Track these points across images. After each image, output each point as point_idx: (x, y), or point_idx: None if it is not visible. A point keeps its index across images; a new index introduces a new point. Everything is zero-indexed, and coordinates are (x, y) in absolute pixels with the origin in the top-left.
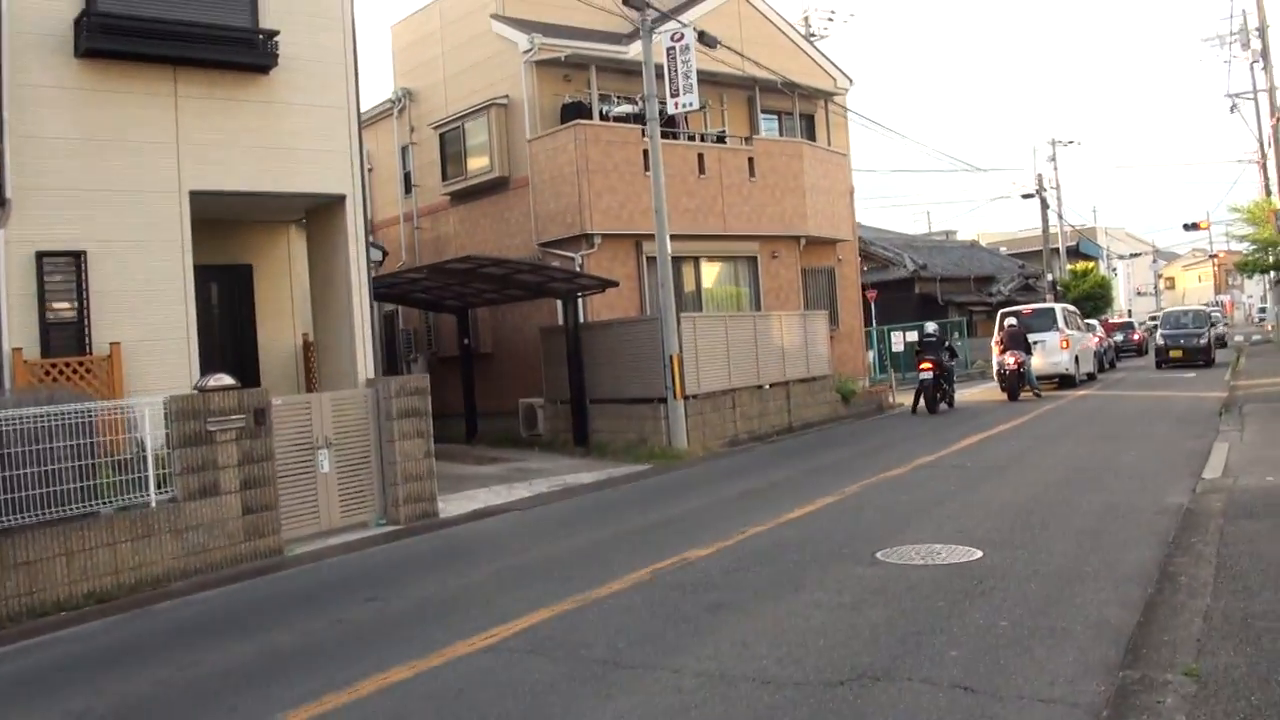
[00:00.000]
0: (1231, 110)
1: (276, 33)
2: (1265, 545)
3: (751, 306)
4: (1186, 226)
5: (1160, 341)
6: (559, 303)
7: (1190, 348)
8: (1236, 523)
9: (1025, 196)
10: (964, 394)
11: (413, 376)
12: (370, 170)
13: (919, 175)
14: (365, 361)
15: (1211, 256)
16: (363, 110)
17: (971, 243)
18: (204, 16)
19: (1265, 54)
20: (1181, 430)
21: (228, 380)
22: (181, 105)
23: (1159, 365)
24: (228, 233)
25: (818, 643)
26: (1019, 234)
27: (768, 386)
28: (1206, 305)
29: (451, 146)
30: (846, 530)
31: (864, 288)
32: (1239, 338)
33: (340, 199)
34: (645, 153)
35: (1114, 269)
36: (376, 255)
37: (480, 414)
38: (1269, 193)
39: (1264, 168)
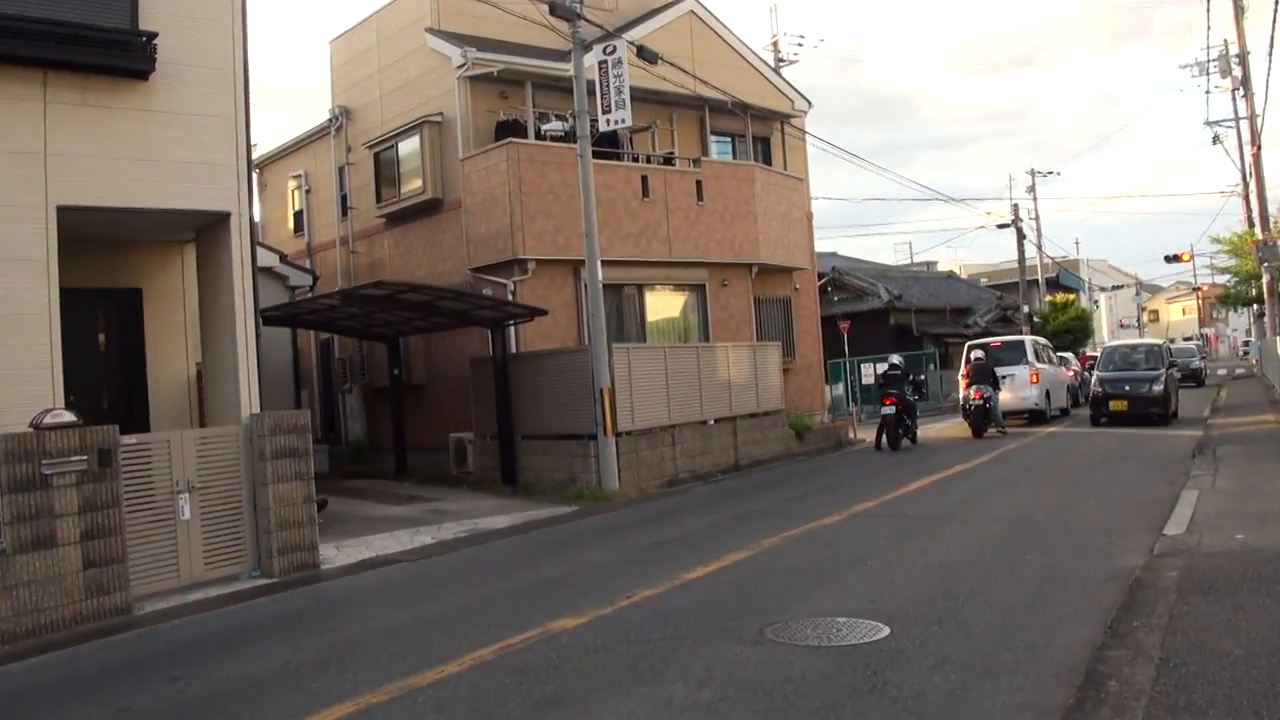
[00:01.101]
0: (1214, 141)
1: (155, 35)
2: (1220, 637)
3: (700, 337)
4: (1168, 259)
5: (1097, 389)
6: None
7: (1139, 396)
8: (1191, 601)
9: (1001, 226)
10: (931, 429)
11: (290, 412)
12: (308, 191)
13: (897, 206)
14: (248, 395)
15: (1195, 289)
16: (303, 130)
17: (948, 273)
18: (76, 15)
19: (1245, 81)
20: (1150, 474)
21: (68, 417)
22: (51, 112)
23: (1095, 421)
24: (115, 253)
25: None
26: (999, 265)
27: (712, 422)
28: (1189, 339)
29: (385, 167)
30: (744, 597)
31: (836, 318)
32: (1222, 371)
33: (225, 216)
34: None
35: (1096, 301)
36: (307, 280)
37: (413, 449)
38: (1251, 224)
39: (1246, 199)
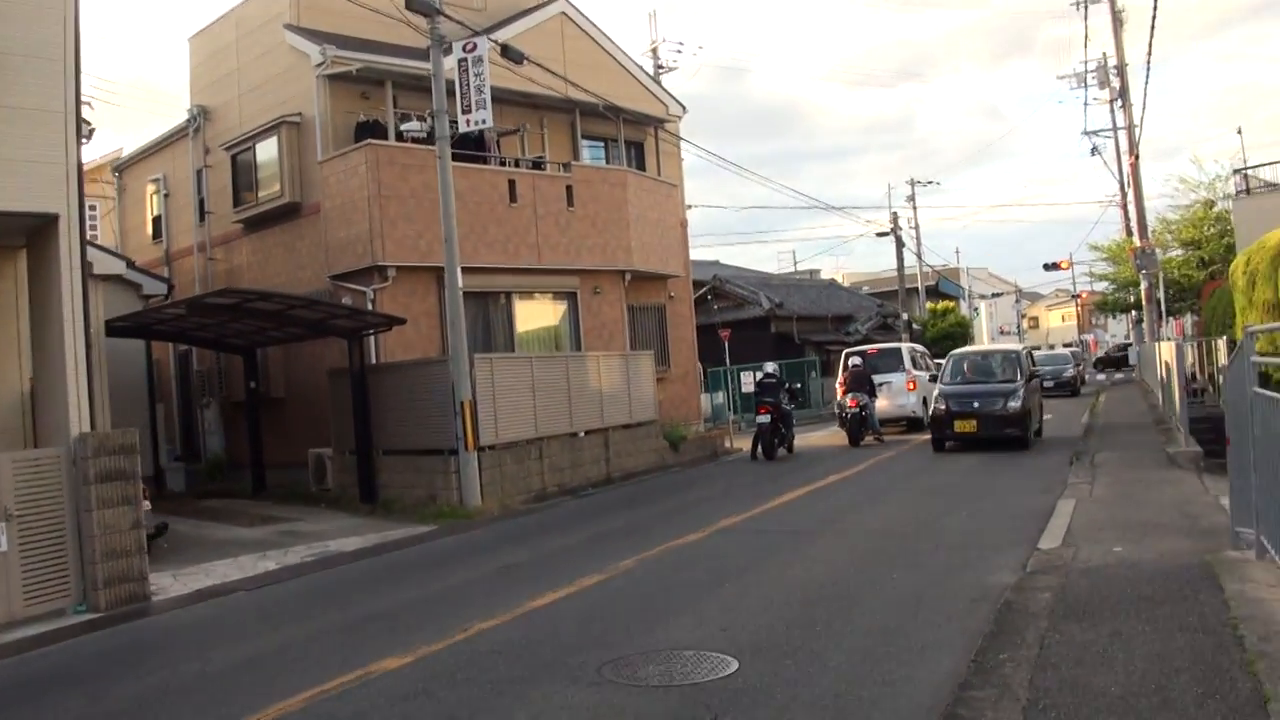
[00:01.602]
0: (1092, 153)
1: None
2: (1095, 672)
3: (572, 346)
4: (1046, 266)
5: (939, 405)
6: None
7: (991, 415)
8: (1064, 628)
9: (880, 235)
10: (811, 437)
11: (116, 432)
12: (166, 196)
13: (785, 216)
14: (78, 414)
15: (1074, 297)
16: (161, 132)
17: (830, 281)
18: None
19: (1124, 92)
20: (1027, 482)
21: None
22: None
23: (939, 445)
24: None
25: None
26: (881, 274)
27: (583, 434)
28: (1068, 345)
29: (243, 170)
30: (588, 628)
31: (717, 326)
32: (1100, 376)
33: (53, 219)
34: None
35: (976, 309)
36: (162, 289)
37: (273, 465)
38: (1130, 233)
39: (1124, 208)
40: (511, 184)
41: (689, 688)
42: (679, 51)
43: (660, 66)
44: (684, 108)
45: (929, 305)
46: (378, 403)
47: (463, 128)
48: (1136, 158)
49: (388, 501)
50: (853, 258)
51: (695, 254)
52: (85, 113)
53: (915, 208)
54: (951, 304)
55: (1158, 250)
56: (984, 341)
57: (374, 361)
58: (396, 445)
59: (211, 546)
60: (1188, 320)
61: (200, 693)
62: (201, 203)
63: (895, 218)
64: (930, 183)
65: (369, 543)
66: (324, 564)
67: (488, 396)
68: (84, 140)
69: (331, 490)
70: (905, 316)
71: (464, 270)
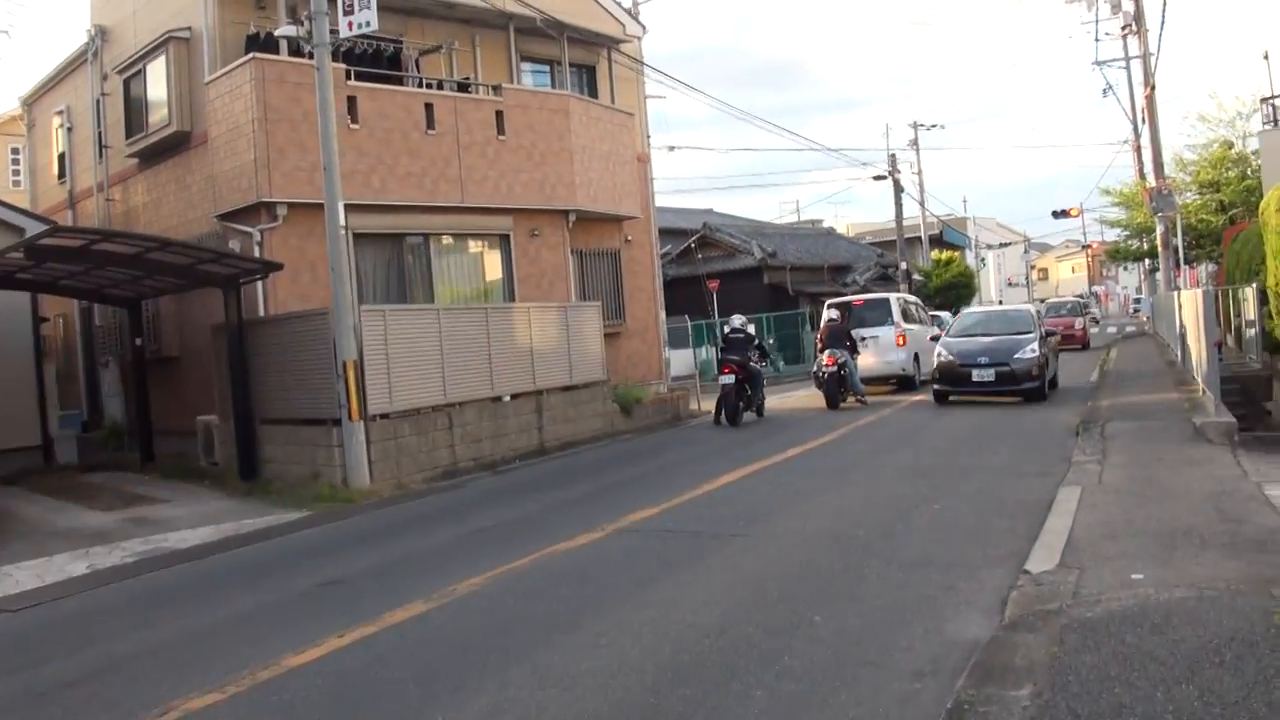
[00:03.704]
0: (1104, 94)
1: None
2: None
3: (506, 296)
4: (1055, 214)
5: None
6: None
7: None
8: None
9: (877, 178)
10: (790, 398)
11: None
12: (69, 130)
13: (776, 161)
14: None
15: (1084, 247)
16: (64, 58)
17: (828, 230)
18: None
19: (1139, 17)
20: (1022, 459)
21: None
22: None
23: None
24: None
25: None
26: (885, 224)
27: (508, 399)
28: (1078, 296)
29: (135, 96)
30: (354, 700)
31: (705, 277)
32: (1112, 329)
33: None
34: (351, 99)
35: (983, 259)
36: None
37: (168, 433)
38: (1142, 175)
39: (1137, 149)
40: (429, 108)
41: None
42: None
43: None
44: (643, 27)
45: (933, 255)
46: (261, 364)
47: (343, 32)
48: (1153, 89)
49: (268, 480)
50: (861, 207)
51: (688, 201)
52: None
53: (918, 149)
54: (955, 254)
55: (1174, 193)
56: (990, 294)
57: (263, 315)
58: (278, 413)
59: (34, 540)
60: (1203, 270)
61: None
62: (100, 136)
63: (893, 159)
64: (934, 126)
65: (220, 534)
66: (148, 565)
67: (379, 355)
68: None
69: (219, 464)
70: (904, 265)
71: (371, 208)
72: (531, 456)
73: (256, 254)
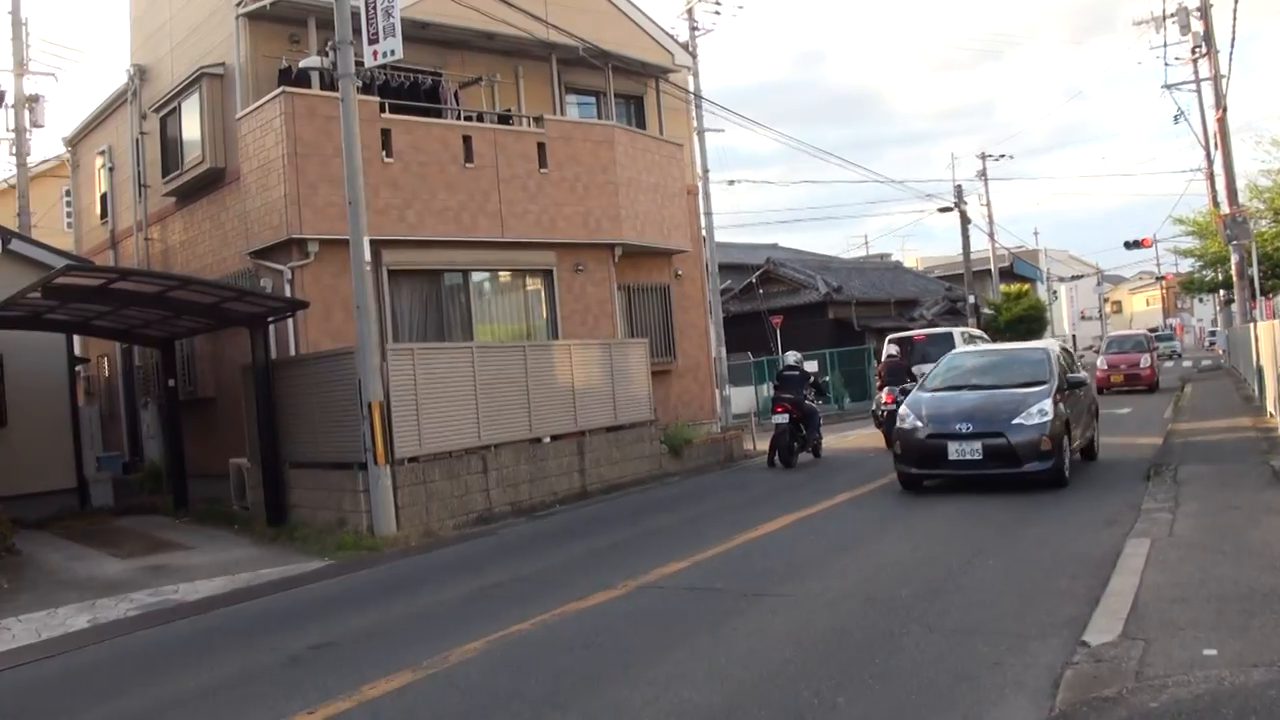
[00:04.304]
0: (1176, 120)
1: None
2: None
3: (550, 334)
4: (1128, 245)
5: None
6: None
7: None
8: None
9: (943, 210)
10: (849, 437)
11: None
12: (111, 169)
13: (843, 195)
14: None
15: (1159, 279)
16: (106, 98)
17: (895, 264)
18: None
19: (1209, 37)
20: (1087, 506)
21: None
22: None
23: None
24: None
25: None
26: (954, 257)
27: (548, 440)
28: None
29: (170, 134)
30: None
31: (769, 313)
32: (1187, 363)
33: None
34: (385, 131)
35: (1055, 292)
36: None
37: (204, 475)
38: (1216, 203)
39: (1210, 177)
40: (466, 140)
41: None
42: (717, 12)
43: (696, 28)
44: (692, 56)
45: (1002, 288)
46: (287, 405)
47: (368, 61)
48: (1224, 110)
49: (296, 525)
50: (930, 241)
51: (753, 237)
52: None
53: (986, 180)
54: (1026, 286)
55: (1249, 220)
56: (1064, 327)
57: (294, 354)
58: (307, 457)
59: (49, 589)
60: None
61: None
62: (139, 175)
63: (959, 190)
64: (1002, 156)
65: (230, 587)
66: (145, 621)
67: (408, 396)
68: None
69: (250, 509)
70: (972, 299)
71: (406, 244)
72: (572, 500)
73: (288, 292)
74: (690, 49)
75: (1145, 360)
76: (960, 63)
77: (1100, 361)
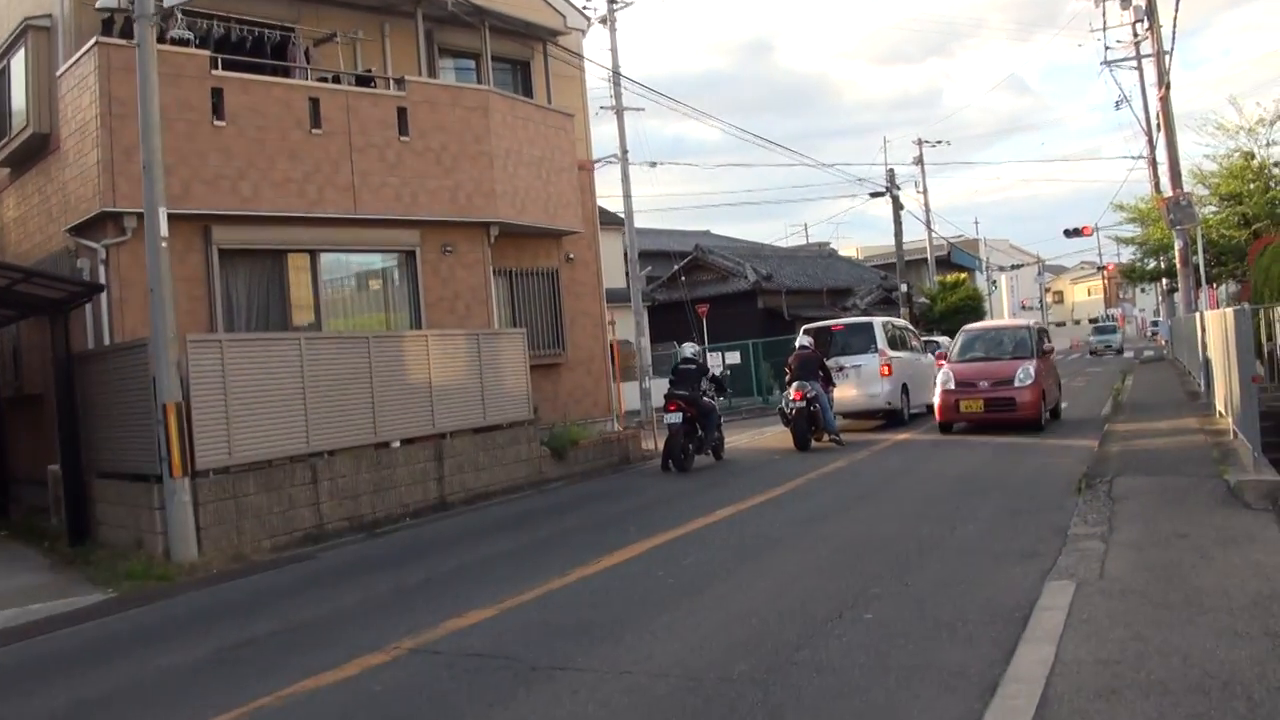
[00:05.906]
0: (1118, 106)
1: None
2: None
3: (412, 323)
4: (1068, 233)
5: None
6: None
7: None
8: None
9: (874, 195)
10: (763, 435)
11: None
12: None
13: (777, 180)
14: None
15: (1100, 269)
16: None
17: (829, 252)
18: None
19: (1150, 12)
20: (1007, 528)
21: None
22: None
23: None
24: None
25: None
26: (892, 247)
27: (397, 445)
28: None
29: (2, 95)
30: None
31: (694, 302)
32: (1129, 354)
33: None
34: (216, 90)
35: (994, 281)
36: None
37: (34, 483)
38: (1158, 188)
39: (1152, 161)
40: (314, 103)
41: None
42: None
43: (613, 1)
44: (587, 19)
45: (938, 278)
46: (91, 405)
47: (168, 1)
48: (1167, 88)
49: (100, 544)
50: (870, 230)
51: (689, 225)
52: None
53: (923, 166)
54: (964, 276)
55: (1194, 204)
56: (1004, 318)
57: (108, 344)
58: (112, 466)
59: None
60: (1223, 291)
61: None
62: None
63: (891, 174)
64: (939, 142)
65: None
66: None
67: (216, 396)
68: None
69: (60, 523)
70: (904, 288)
71: (241, 219)
72: (428, 512)
73: (102, 273)
74: (608, 23)
75: (1023, 375)
76: (908, 56)
77: (942, 376)
